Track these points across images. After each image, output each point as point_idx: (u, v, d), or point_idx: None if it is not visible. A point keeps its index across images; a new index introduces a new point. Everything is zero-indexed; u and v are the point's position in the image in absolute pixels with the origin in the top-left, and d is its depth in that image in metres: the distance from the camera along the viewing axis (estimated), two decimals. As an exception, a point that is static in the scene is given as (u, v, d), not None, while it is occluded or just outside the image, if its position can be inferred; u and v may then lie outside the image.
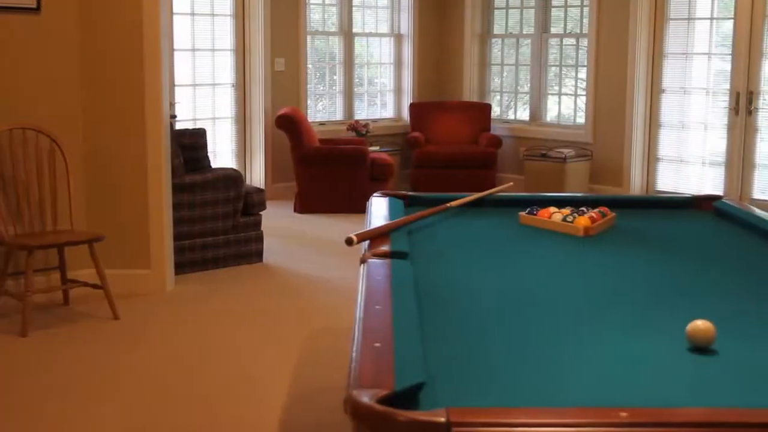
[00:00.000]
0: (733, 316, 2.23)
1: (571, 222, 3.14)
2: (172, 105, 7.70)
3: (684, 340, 1.95)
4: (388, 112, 9.50)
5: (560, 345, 2.00)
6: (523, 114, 9.32)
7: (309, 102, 8.72)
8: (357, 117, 9.07)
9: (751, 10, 7.66)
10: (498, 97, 9.53)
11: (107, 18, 5.07)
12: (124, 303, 5.00)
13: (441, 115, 8.98)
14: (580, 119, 8.77)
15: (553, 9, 8.99)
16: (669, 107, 8.27)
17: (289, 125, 7.57)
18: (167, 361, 4.21)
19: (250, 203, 6.01)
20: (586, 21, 8.70)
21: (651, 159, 8.40)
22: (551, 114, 9.13)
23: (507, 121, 9.31)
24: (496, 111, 9.41)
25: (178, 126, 7.72)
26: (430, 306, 2.26)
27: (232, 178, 5.87)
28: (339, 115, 9.07)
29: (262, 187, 8.27)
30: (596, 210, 3.26)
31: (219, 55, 8.07)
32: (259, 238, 6.05)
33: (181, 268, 5.66)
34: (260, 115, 8.18)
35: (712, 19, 8.01)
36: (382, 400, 1.54)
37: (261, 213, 6.13)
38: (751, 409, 1.50)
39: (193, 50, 7.92)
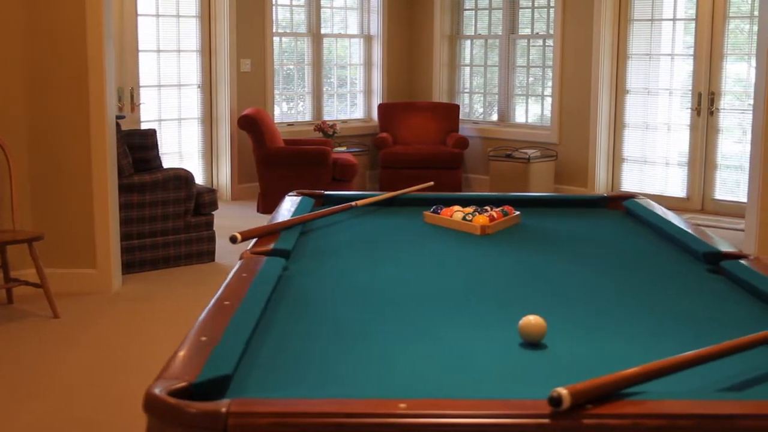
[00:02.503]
0: (589, 314, 2.26)
1: (470, 221, 3.17)
2: (137, 106, 7.76)
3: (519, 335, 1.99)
4: (358, 113, 9.54)
5: (401, 340, 2.03)
6: (492, 115, 9.35)
7: (276, 103, 8.77)
8: (327, 118, 9.11)
9: (712, 11, 7.69)
10: (467, 98, 9.56)
11: (51, 19, 5.12)
12: (67, 302, 5.05)
13: (410, 115, 9.02)
14: (547, 120, 8.80)
15: (520, 11, 9.02)
16: (633, 108, 8.30)
17: (251, 126, 7.61)
18: (102, 361, 4.25)
19: (202, 203, 6.06)
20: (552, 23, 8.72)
21: (616, 159, 8.43)
22: (519, 115, 9.16)
23: (476, 122, 9.34)
24: (465, 112, 9.44)
25: (143, 126, 7.79)
26: (293, 303, 2.29)
27: (182, 178, 5.92)
28: (308, 116, 9.11)
29: (228, 187, 8.33)
30: (498, 209, 3.29)
31: (185, 56, 8.12)
32: (212, 238, 6.09)
33: (130, 267, 5.70)
34: (226, 116, 8.23)
35: (675, 20, 8.04)
36: (178, 392, 1.57)
37: (213, 213, 6.17)
38: (528, 400, 1.53)
39: (158, 51, 7.97)
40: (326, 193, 3.73)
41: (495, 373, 1.84)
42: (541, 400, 1.50)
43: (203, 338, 1.87)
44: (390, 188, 8.01)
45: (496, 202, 3.43)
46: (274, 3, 8.56)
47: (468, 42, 9.47)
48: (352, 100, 9.57)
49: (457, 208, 3.31)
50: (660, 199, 8.04)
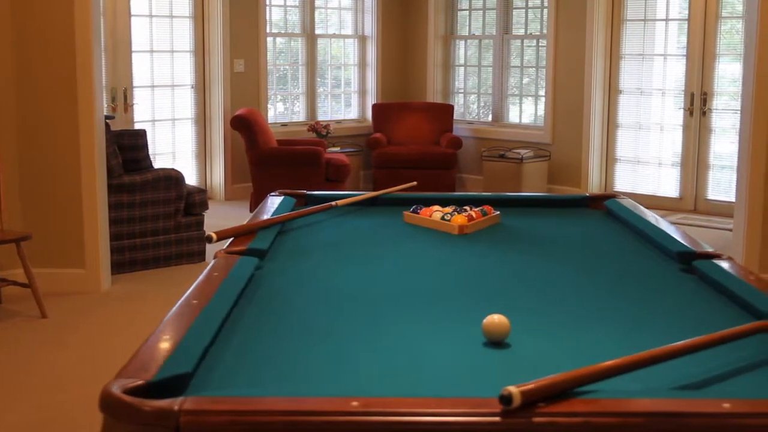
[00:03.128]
0: (557, 313, 2.27)
1: (448, 220, 3.18)
2: (131, 106, 7.77)
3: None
4: (353, 113, 9.55)
5: (367, 339, 2.04)
6: (486, 115, 9.36)
7: (270, 103, 8.78)
8: (321, 118, 9.12)
9: (705, 11, 7.70)
10: (462, 98, 9.56)
11: (39, 19, 5.13)
12: (56, 302, 5.06)
13: (404, 115, 9.03)
14: (541, 120, 8.80)
15: (514, 11, 9.03)
16: (626, 108, 8.30)
17: (243, 126, 7.61)
18: (89, 360, 4.26)
19: (192, 203, 6.07)
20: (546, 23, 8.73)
21: (609, 159, 8.43)
22: (513, 115, 9.16)
23: (470, 122, 9.35)
24: (459, 112, 9.44)
25: (137, 126, 7.80)
26: (263, 302, 2.30)
27: (172, 179, 5.93)
28: (302, 117, 9.13)
29: (222, 187, 8.34)
30: (478, 209, 3.30)
31: (178, 57, 8.13)
32: (202, 238, 6.10)
33: (120, 267, 5.72)
34: (219, 117, 8.24)
35: (667, 20, 8.04)
36: (134, 390, 1.58)
37: (203, 213, 6.18)
38: (479, 398, 1.54)
39: (152, 51, 7.98)
40: (309, 193, 3.73)
41: (456, 372, 1.85)
42: (493, 399, 1.51)
43: (166, 337, 1.88)
44: (383, 188, 8.04)
45: (476, 202, 3.43)
46: (267, 3, 8.57)
47: (462, 42, 9.47)
48: (347, 101, 9.58)
49: (436, 207, 3.31)
50: (653, 199, 8.08)
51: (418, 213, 3.32)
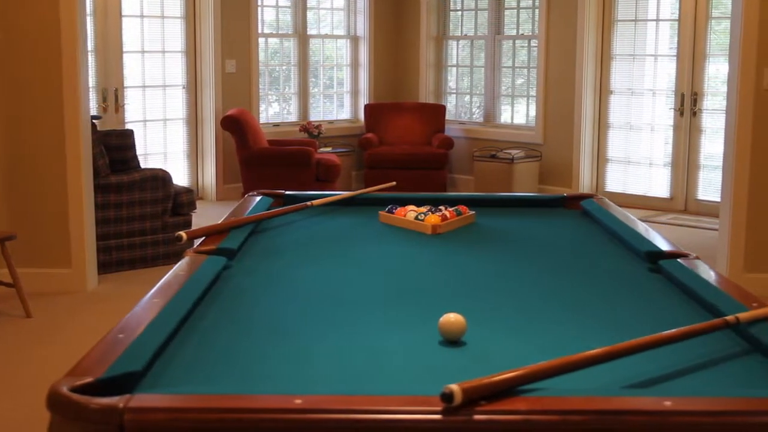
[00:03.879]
0: (519, 312, 2.28)
1: (422, 220, 3.19)
2: (122, 107, 7.78)
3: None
4: (345, 114, 9.56)
5: (325, 338, 2.05)
6: (478, 115, 9.37)
7: (262, 103, 8.79)
8: (313, 118, 9.13)
9: (695, 11, 7.70)
10: (454, 99, 9.57)
11: (24, 19, 5.14)
12: (42, 301, 5.07)
13: (396, 116, 9.04)
14: (532, 121, 8.81)
15: (506, 11, 9.03)
16: (617, 108, 8.30)
17: (234, 126, 7.63)
18: (73, 360, 4.24)
19: (180, 203, 6.08)
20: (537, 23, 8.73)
21: (600, 160, 8.44)
22: (505, 115, 9.17)
23: (462, 123, 9.35)
24: (452, 112, 9.46)
25: (128, 127, 7.82)
26: (227, 301, 2.31)
27: (159, 179, 5.94)
28: (294, 117, 9.14)
29: (213, 187, 8.35)
30: (452, 209, 3.30)
31: (169, 57, 8.14)
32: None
33: (107, 267, 5.73)
34: (211, 117, 8.25)
35: (658, 20, 8.05)
36: (83, 388, 1.59)
37: (191, 213, 6.19)
38: (422, 396, 1.54)
39: (143, 52, 7.99)
40: (287, 192, 3.74)
41: (411, 370, 1.86)
42: (435, 397, 1.51)
43: (121, 335, 1.89)
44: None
45: (451, 202, 3.44)
46: (259, 4, 8.58)
47: (454, 43, 9.48)
48: (339, 101, 9.59)
49: (411, 207, 3.32)
50: (644, 200, 8.10)
51: (393, 213, 3.33)
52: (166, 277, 2.40)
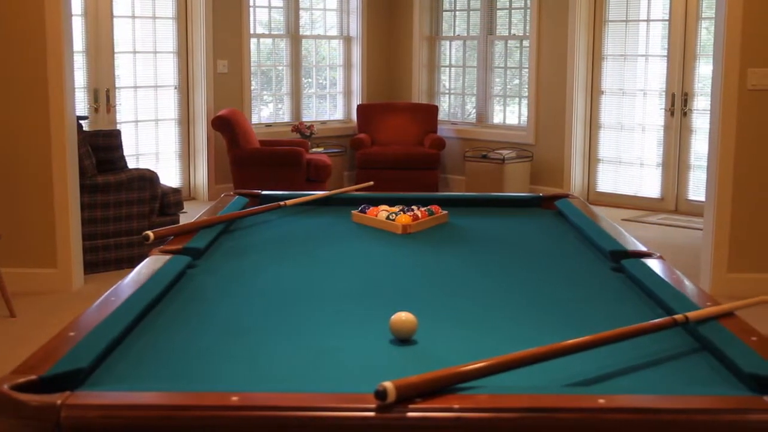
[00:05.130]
0: (475, 311, 2.29)
1: (393, 220, 3.20)
2: (113, 107, 7.81)
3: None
4: (338, 114, 9.58)
5: (280, 337, 2.06)
6: (470, 115, 9.38)
7: (254, 104, 8.81)
8: (306, 119, 9.15)
9: (685, 12, 7.71)
10: (447, 99, 9.59)
11: (9, 19, 5.16)
12: (26, 301, 5.09)
13: (388, 116, 9.05)
14: (524, 121, 8.82)
15: (498, 11, 9.04)
16: (608, 109, 8.31)
17: (224, 127, 7.65)
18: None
19: (167, 203, 6.10)
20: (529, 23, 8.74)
21: (591, 160, 8.44)
22: (497, 116, 9.18)
23: (454, 123, 9.36)
24: (445, 112, 9.47)
25: (119, 127, 7.85)
26: (186, 300, 2.33)
27: (147, 179, 5.96)
28: (286, 117, 9.16)
29: (205, 187, 8.37)
30: (425, 208, 3.32)
31: (161, 58, 8.16)
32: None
33: (94, 267, 5.75)
34: (203, 117, 8.27)
35: (649, 21, 8.05)
36: (25, 386, 1.61)
37: (179, 213, 6.21)
38: (357, 393, 1.56)
39: (134, 53, 8.02)
40: (263, 192, 3.76)
41: (355, 369, 1.87)
42: (369, 394, 1.53)
43: (71, 333, 1.91)
44: (368, 189, 8.07)
45: (424, 202, 3.45)
46: (251, 4, 8.60)
47: (447, 43, 9.49)
48: (332, 101, 9.61)
49: (383, 207, 3.33)
50: (635, 200, 8.10)
51: (365, 212, 3.34)
52: (130, 275, 2.41)
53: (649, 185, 8.14)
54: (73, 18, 7.31)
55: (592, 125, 8.38)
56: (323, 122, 9.31)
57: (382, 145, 8.85)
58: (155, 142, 8.24)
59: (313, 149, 8.58)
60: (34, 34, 5.17)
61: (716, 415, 1.52)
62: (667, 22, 7.88)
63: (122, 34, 7.91)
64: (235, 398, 1.54)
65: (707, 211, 5.47)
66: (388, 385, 1.51)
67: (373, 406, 1.51)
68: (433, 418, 1.51)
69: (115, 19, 7.74)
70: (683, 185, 7.91)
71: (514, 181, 8.28)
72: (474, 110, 9.31)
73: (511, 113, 9.11)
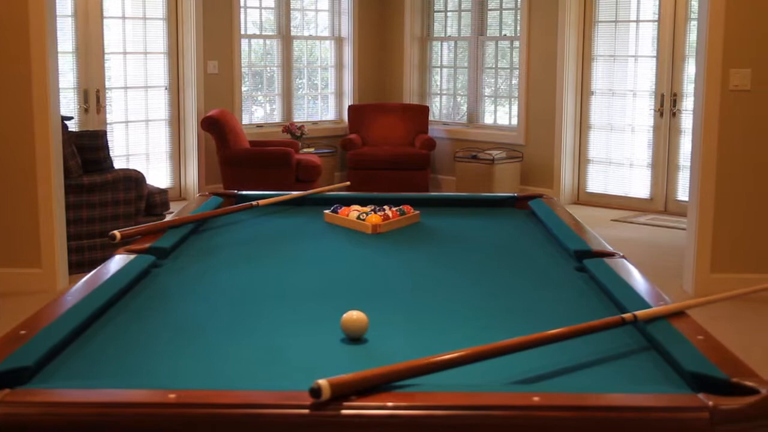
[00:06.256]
0: (431, 310, 2.30)
1: (363, 220, 3.22)
2: (103, 108, 7.82)
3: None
4: (330, 115, 9.59)
5: (234, 335, 2.08)
6: (462, 116, 9.39)
7: (245, 104, 8.83)
8: (297, 119, 9.17)
9: (674, 12, 7.71)
10: (438, 100, 9.60)
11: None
12: (10, 301, 5.11)
13: (380, 116, 9.06)
14: (515, 121, 8.83)
15: (489, 12, 9.06)
16: (598, 109, 8.32)
17: (214, 127, 7.67)
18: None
19: (153, 203, 6.11)
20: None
21: (581, 161, 8.45)
22: (488, 116, 9.19)
23: (446, 123, 9.38)
24: (437, 113, 9.49)
25: (109, 127, 7.87)
26: (146, 299, 2.34)
27: (132, 179, 5.97)
28: (278, 118, 9.17)
29: (195, 188, 8.39)
30: (396, 208, 3.33)
31: (151, 58, 8.18)
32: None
33: (80, 267, 5.76)
34: (193, 118, 8.28)
35: (638, 21, 8.06)
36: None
37: (165, 213, 6.23)
38: (292, 391, 1.57)
39: (125, 53, 8.03)
40: (239, 192, 3.77)
41: (306, 367, 1.88)
42: (305, 392, 1.54)
43: (23, 332, 1.92)
44: (358, 189, 8.09)
45: (397, 202, 3.46)
46: (242, 5, 8.62)
47: (438, 44, 9.51)
48: (324, 102, 9.62)
49: (355, 207, 3.35)
50: (624, 200, 8.11)
51: (337, 212, 3.36)
52: (92, 274, 2.43)
53: (638, 186, 8.15)
54: (64, 19, 7.38)
55: (582, 126, 8.39)
56: (315, 123, 9.33)
57: (372, 145, 8.86)
58: (146, 143, 8.26)
59: (304, 150, 8.60)
60: (17, 34, 5.18)
61: (646, 413, 1.53)
62: (656, 23, 7.89)
63: (113, 34, 7.93)
64: (172, 395, 1.56)
65: (690, 212, 5.48)
66: (322, 382, 1.52)
67: (308, 403, 1.53)
68: (367, 416, 1.52)
69: (105, 20, 7.76)
70: (672, 186, 7.92)
71: (504, 181, 8.29)
72: (465, 111, 9.32)
73: (503, 114, 9.12)
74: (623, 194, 8.18)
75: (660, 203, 7.98)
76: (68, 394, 1.58)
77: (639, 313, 2.03)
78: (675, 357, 1.81)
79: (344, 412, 1.52)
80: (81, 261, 5.78)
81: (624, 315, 2.02)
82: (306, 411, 1.52)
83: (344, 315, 2.03)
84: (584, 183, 8.46)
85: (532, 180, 8.52)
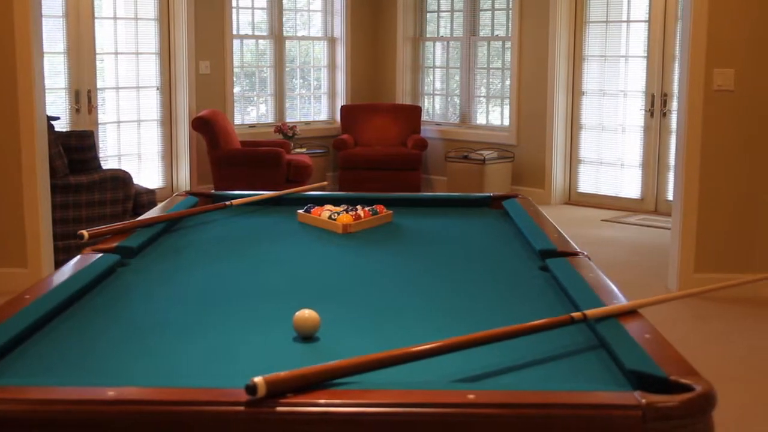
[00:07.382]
0: (389, 310, 2.31)
1: (335, 220, 3.23)
2: (94, 108, 7.85)
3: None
4: (323, 115, 9.61)
5: (190, 334, 2.09)
6: (454, 116, 9.40)
7: (237, 105, 8.85)
8: (290, 120, 9.19)
9: (665, 13, 7.72)
10: (431, 100, 9.61)
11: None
12: (-4, 300, 5.12)
13: (372, 117, 9.08)
14: (507, 122, 8.83)
15: (481, 13, 9.07)
16: (589, 110, 8.32)
17: (205, 128, 7.69)
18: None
19: (141, 203, 6.13)
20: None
21: (573, 161, 8.45)
22: (480, 116, 9.20)
23: (438, 123, 9.39)
24: (429, 113, 9.50)
25: (101, 128, 7.90)
26: (107, 298, 2.36)
27: (120, 179, 5.99)
28: (271, 118, 9.19)
29: (187, 188, 8.41)
30: (368, 208, 3.34)
31: (143, 59, 8.20)
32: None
33: (67, 266, 5.78)
34: (185, 118, 8.30)
35: (629, 22, 8.06)
36: None
37: (153, 213, 6.24)
38: (229, 388, 1.58)
39: (116, 54, 8.06)
40: (215, 192, 3.78)
41: (255, 365, 1.88)
42: (240, 389, 1.55)
43: (-25, 330, 1.93)
44: (349, 190, 8.11)
45: (370, 202, 3.47)
46: (234, 5, 8.64)
47: (431, 44, 9.52)
48: (317, 102, 9.64)
49: (327, 207, 3.36)
50: (616, 200, 8.12)
51: (310, 212, 3.37)
52: (54, 273, 2.44)
53: (629, 186, 8.15)
54: (55, 19, 7.41)
55: (573, 126, 8.39)
56: (307, 123, 9.35)
57: (365, 145, 8.88)
58: (137, 143, 8.28)
59: (296, 150, 8.61)
60: (1, 33, 5.20)
61: (579, 410, 1.54)
62: (646, 23, 7.89)
63: (104, 35, 7.95)
64: (111, 393, 1.57)
65: (675, 212, 5.49)
66: (258, 380, 1.53)
67: (243, 400, 1.54)
68: (301, 413, 1.53)
69: (96, 20, 7.78)
70: (663, 186, 7.92)
71: (495, 181, 8.30)
72: (458, 111, 9.33)
73: (495, 114, 9.13)
74: (614, 194, 8.19)
75: (651, 203, 7.98)
76: (8, 391, 1.59)
77: (589, 311, 2.04)
78: (618, 355, 1.82)
79: (279, 409, 1.53)
80: (68, 261, 5.79)
81: (573, 314, 2.02)
82: (241, 408, 1.53)
83: (296, 313, 2.04)
84: (575, 183, 8.47)
85: (524, 180, 8.53)
